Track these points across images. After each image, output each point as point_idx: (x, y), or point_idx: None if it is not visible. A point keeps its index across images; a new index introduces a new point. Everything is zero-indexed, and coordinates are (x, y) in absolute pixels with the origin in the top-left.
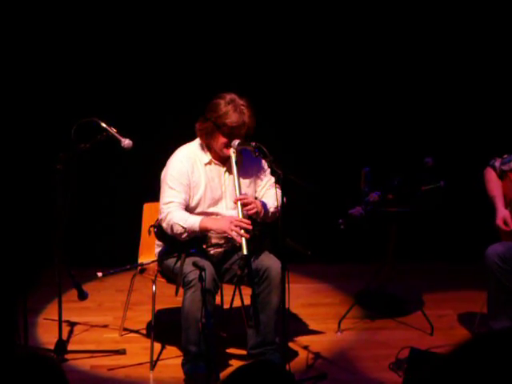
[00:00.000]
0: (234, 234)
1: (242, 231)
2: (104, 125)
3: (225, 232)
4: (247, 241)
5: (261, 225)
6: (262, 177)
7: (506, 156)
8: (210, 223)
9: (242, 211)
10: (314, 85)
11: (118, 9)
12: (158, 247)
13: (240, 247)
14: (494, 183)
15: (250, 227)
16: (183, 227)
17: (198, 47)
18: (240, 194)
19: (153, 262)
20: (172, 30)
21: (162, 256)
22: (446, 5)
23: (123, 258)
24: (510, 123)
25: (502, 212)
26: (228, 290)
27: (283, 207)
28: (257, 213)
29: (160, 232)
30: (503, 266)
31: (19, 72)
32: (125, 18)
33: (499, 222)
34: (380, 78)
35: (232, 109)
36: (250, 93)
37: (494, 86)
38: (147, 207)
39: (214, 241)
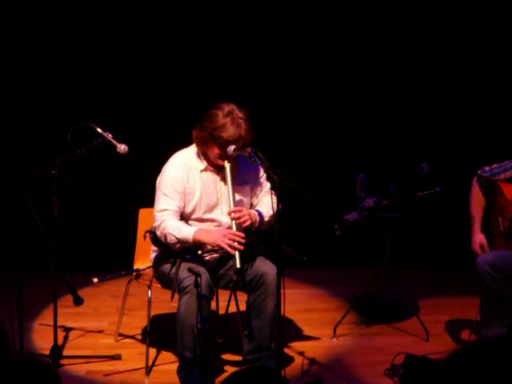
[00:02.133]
0: (227, 247)
1: (236, 244)
2: (100, 130)
3: (218, 245)
4: (240, 254)
5: (256, 231)
6: (258, 183)
7: (495, 165)
8: (203, 236)
9: (235, 223)
10: (309, 92)
11: (114, 15)
12: (153, 252)
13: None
14: (476, 202)
15: (243, 240)
16: (177, 238)
17: (195, 53)
18: (234, 205)
19: (148, 267)
20: (169, 36)
21: (158, 262)
22: (438, 14)
23: (119, 264)
24: (505, 128)
25: (478, 236)
26: (223, 295)
27: (278, 214)
28: (251, 223)
29: (155, 237)
30: (494, 274)
31: (15, 78)
32: (120, 24)
33: (476, 246)
34: (376, 84)
35: (230, 122)
36: (247, 98)
37: (488, 92)
38: (143, 213)
39: (209, 246)
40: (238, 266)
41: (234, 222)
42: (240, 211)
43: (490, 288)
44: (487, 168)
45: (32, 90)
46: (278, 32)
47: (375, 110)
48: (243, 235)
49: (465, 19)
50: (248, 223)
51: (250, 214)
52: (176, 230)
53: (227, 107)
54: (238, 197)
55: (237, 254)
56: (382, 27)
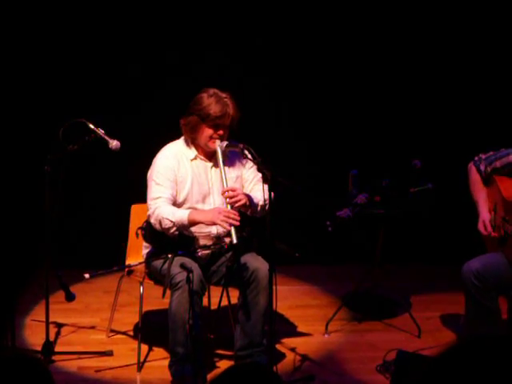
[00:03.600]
0: (223, 223)
1: (231, 220)
2: (92, 126)
3: (214, 223)
4: (236, 229)
5: (250, 226)
6: (248, 171)
7: (491, 153)
8: (198, 215)
9: (229, 202)
10: (302, 87)
11: (103, 11)
12: (145, 248)
13: (227, 250)
14: (477, 186)
15: (239, 218)
16: (172, 221)
17: (185, 48)
18: (227, 185)
19: (140, 263)
20: (158, 32)
21: (150, 257)
22: (429, 12)
23: (110, 260)
24: (496, 125)
25: (483, 216)
26: (215, 291)
27: (271, 204)
28: (245, 205)
29: (147, 234)
30: (479, 284)
31: (6, 74)
32: (109, 20)
33: (480, 226)
34: (368, 80)
35: (215, 100)
36: (239, 92)
37: (480, 89)
38: (134, 209)
39: (201, 242)
40: (235, 241)
41: (227, 200)
42: (234, 190)
43: (476, 298)
44: (483, 156)
45: (24, 86)
46: (273, 28)
47: (368, 106)
48: (237, 213)
49: (456, 18)
50: (242, 202)
51: (243, 194)
52: (170, 214)
53: (211, 90)
54: (229, 184)
55: (232, 229)
56: (376, 24)
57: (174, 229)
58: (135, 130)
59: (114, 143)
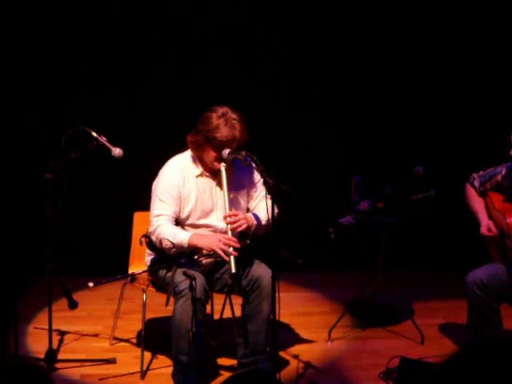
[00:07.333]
0: (221, 252)
1: (231, 249)
2: (94, 134)
3: (213, 250)
4: (235, 259)
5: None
6: (254, 188)
7: (481, 173)
8: (198, 241)
9: (230, 228)
10: (304, 93)
11: (109, 18)
12: (148, 256)
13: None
14: (475, 198)
15: (238, 245)
16: (172, 243)
17: (190, 56)
18: (230, 209)
19: (144, 271)
20: (164, 40)
21: (153, 265)
22: (434, 19)
23: (113, 267)
24: (497, 132)
25: (485, 221)
26: (219, 299)
27: (276, 218)
28: (248, 227)
29: (151, 242)
30: (482, 295)
31: (10, 81)
32: (115, 28)
33: (483, 229)
34: (371, 88)
35: (223, 123)
36: (242, 101)
37: (481, 96)
38: (137, 216)
39: (205, 251)
40: (233, 270)
41: (228, 226)
42: (236, 215)
43: (478, 309)
44: (475, 175)
45: (27, 93)
46: (275, 32)
47: (370, 113)
48: (237, 240)
49: (460, 24)
50: (244, 227)
51: (245, 218)
52: (171, 235)
53: (221, 109)
54: (234, 201)
55: (232, 258)
56: (379, 33)
57: (174, 250)
58: (138, 138)
59: (117, 151)
